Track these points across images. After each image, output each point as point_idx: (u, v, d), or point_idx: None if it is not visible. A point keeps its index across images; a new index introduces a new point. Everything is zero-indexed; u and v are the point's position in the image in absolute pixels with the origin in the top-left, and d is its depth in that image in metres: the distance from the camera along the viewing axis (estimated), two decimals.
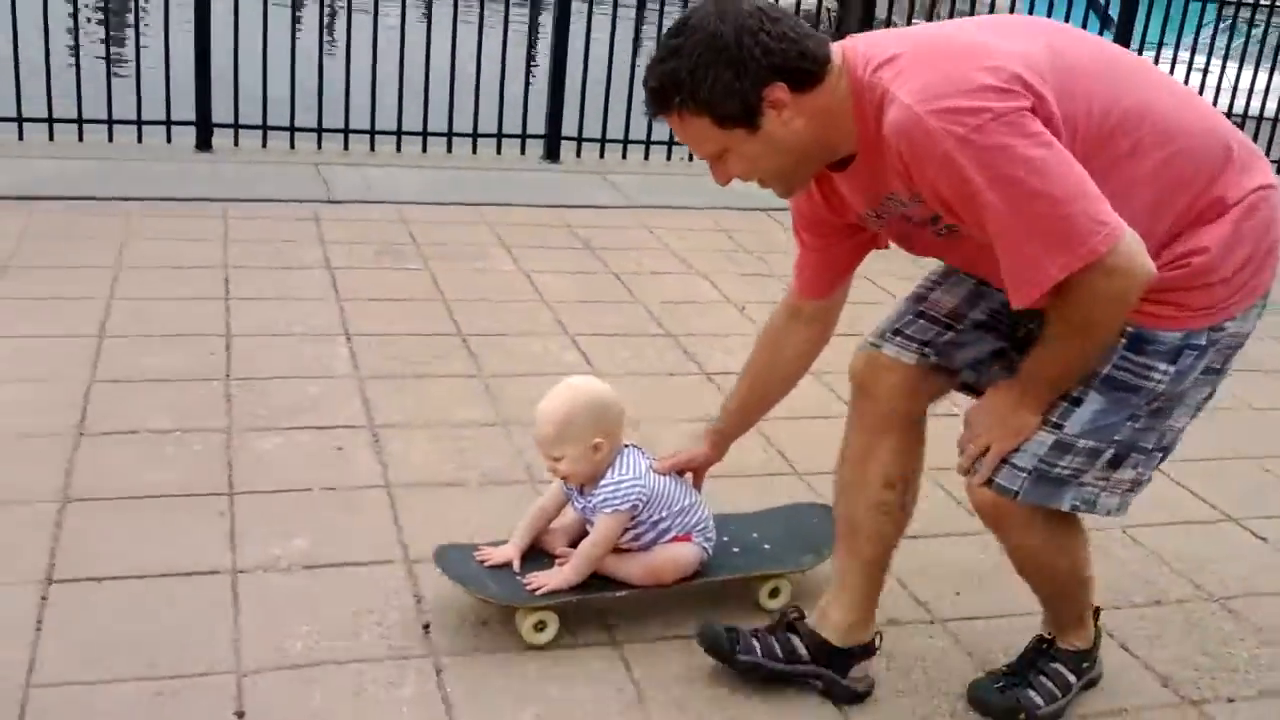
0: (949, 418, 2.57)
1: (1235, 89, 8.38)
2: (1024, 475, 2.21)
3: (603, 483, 2.61)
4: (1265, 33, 8.80)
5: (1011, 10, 7.79)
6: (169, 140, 6.49)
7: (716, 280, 5.14)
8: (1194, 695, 2.64)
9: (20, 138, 6.27)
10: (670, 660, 2.57)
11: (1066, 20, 7.85)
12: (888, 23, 8.48)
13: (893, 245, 2.40)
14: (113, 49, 6.36)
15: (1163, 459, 2.29)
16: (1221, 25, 8.74)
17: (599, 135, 7.17)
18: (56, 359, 3.77)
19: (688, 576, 2.68)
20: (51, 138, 6.32)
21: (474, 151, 6.99)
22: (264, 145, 6.64)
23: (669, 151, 7.24)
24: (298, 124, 6.67)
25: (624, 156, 7.22)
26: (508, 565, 2.65)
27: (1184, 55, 8.34)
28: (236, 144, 6.60)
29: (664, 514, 2.65)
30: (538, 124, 7.08)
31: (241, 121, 6.57)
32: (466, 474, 3.28)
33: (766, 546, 2.85)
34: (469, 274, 4.95)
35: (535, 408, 2.62)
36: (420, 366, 3.97)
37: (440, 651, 2.53)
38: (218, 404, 3.56)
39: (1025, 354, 2.22)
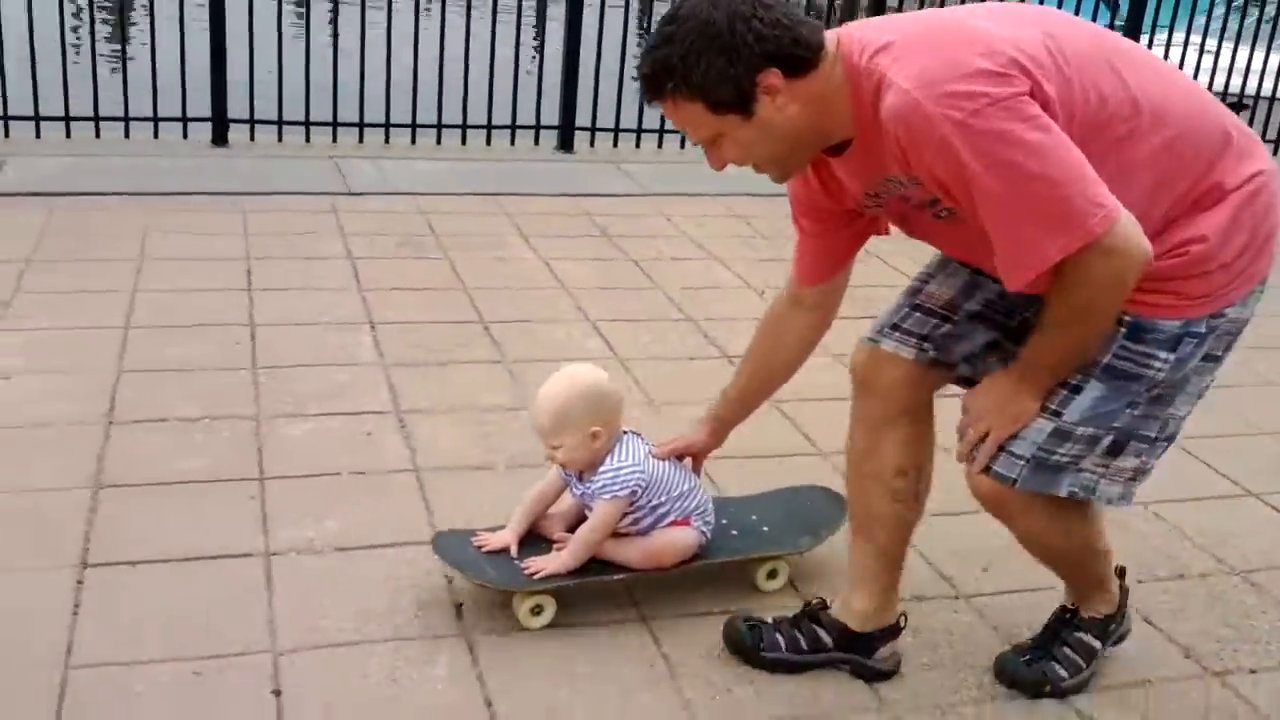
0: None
1: (1246, 70, 8.39)
2: (1022, 463, 2.22)
3: (601, 469, 2.61)
4: (1278, 13, 8.77)
5: None
6: (185, 136, 6.53)
7: (734, 266, 5.16)
8: (1216, 666, 2.66)
9: (38, 135, 6.31)
10: (699, 635, 2.60)
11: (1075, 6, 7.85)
12: (900, 10, 8.48)
13: (894, 230, 2.42)
14: (128, 47, 6.37)
15: (1166, 448, 2.29)
16: (1224, 7, 8.71)
17: (612, 125, 7.19)
18: (84, 350, 3.81)
19: (686, 560, 2.69)
20: (69, 135, 6.37)
21: (488, 143, 7.02)
22: (279, 139, 6.66)
23: (682, 140, 7.24)
24: (313, 118, 6.70)
25: (637, 145, 7.24)
26: (505, 550, 2.65)
27: (1192, 39, 8.33)
28: (252, 139, 6.63)
29: (663, 499, 2.66)
30: (551, 115, 7.11)
31: (256, 116, 6.61)
32: (493, 457, 3.31)
33: (765, 529, 2.86)
34: (489, 263, 4.98)
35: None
36: (444, 354, 4.00)
37: (472, 630, 2.56)
38: (245, 392, 3.59)
39: (1021, 344, 2.23)
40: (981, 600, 2.83)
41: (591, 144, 7.20)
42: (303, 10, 6.95)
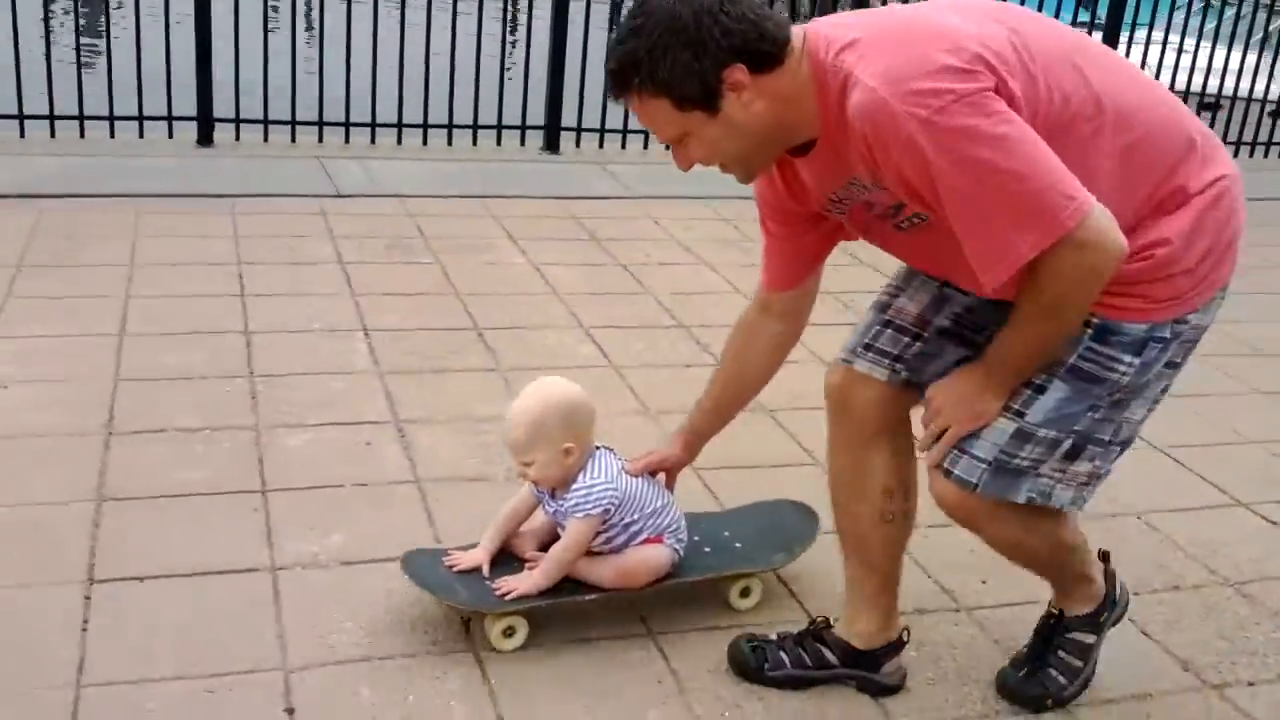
0: None
1: (1224, 70, 8.47)
2: (983, 467, 2.21)
3: (574, 487, 2.58)
4: (1255, 11, 8.86)
5: None
6: (170, 135, 6.50)
7: (724, 271, 5.18)
8: (1215, 679, 2.70)
9: (21, 135, 6.27)
10: (706, 650, 2.62)
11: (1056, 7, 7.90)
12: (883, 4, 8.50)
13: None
14: (111, 45, 6.33)
15: (1121, 452, 2.29)
16: (1198, 6, 8.78)
17: (598, 125, 7.20)
18: (79, 358, 3.80)
19: (659, 579, 2.66)
20: (53, 135, 6.33)
21: (474, 143, 7.02)
22: (265, 139, 6.65)
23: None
24: (298, 118, 6.68)
25: (623, 147, 7.25)
26: (477, 570, 2.63)
27: (1165, 37, 8.43)
28: (238, 138, 6.61)
29: (635, 516, 2.63)
30: (536, 115, 7.12)
31: (242, 116, 6.58)
32: (493, 468, 3.32)
33: (738, 545, 2.84)
34: (479, 267, 4.99)
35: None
36: (439, 361, 4.01)
37: (481, 646, 2.57)
38: (244, 401, 3.59)
39: None
40: (982, 613, 2.86)
41: (577, 144, 7.21)
42: (288, 10, 6.90)
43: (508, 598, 2.55)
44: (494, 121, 7.03)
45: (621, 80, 2.09)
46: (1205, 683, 2.69)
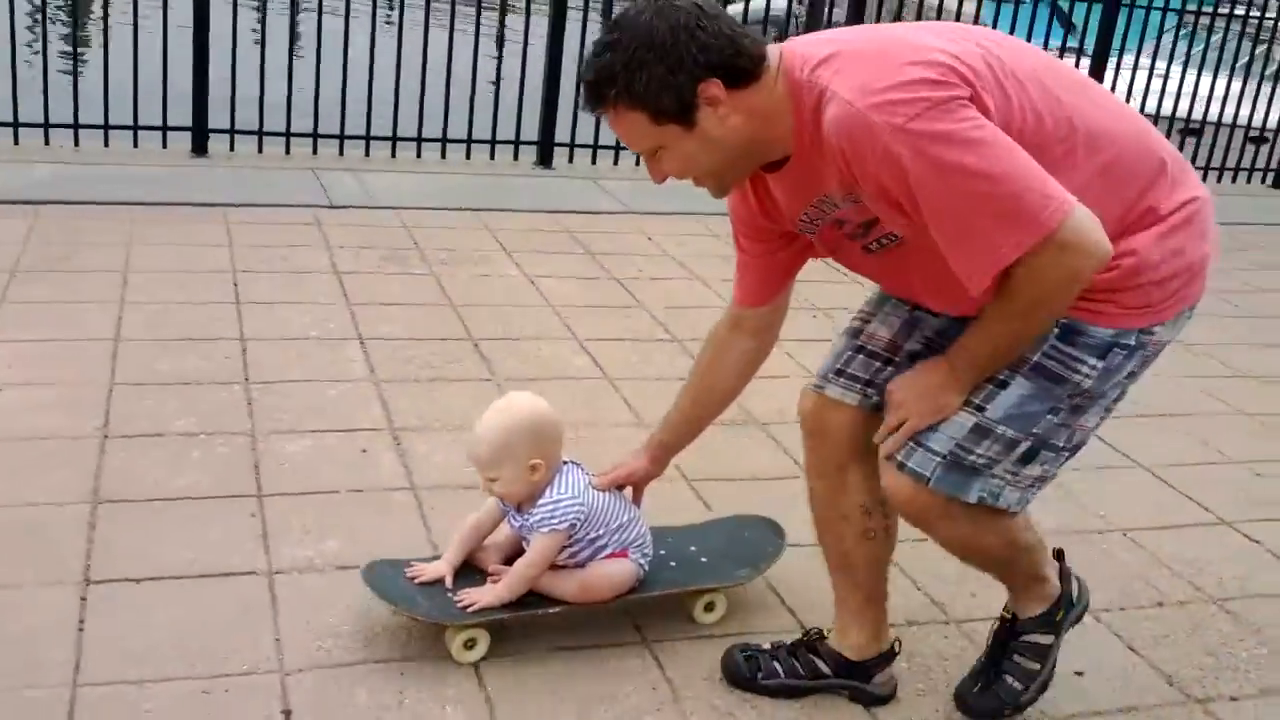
0: None
1: (1209, 96, 8.55)
2: (937, 460, 2.20)
3: (540, 501, 2.57)
4: (1239, 41, 8.95)
5: (976, 19, 7.90)
6: (164, 145, 6.52)
7: (717, 286, 5.22)
8: (1199, 694, 2.74)
9: (16, 142, 6.28)
10: (701, 657, 2.65)
11: (1031, 23, 7.98)
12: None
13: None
14: (108, 54, 6.35)
15: (1069, 458, 2.29)
16: (1183, 32, 8.88)
17: (591, 141, 7.24)
18: (75, 362, 3.81)
19: (623, 593, 2.65)
20: (47, 142, 6.34)
21: (468, 157, 7.06)
22: (260, 150, 6.68)
23: None
24: (293, 129, 6.70)
25: (615, 163, 7.29)
26: (439, 581, 2.61)
27: (1142, 62, 8.52)
28: (232, 149, 6.64)
29: (601, 531, 2.62)
30: (530, 130, 7.16)
31: (236, 127, 6.60)
32: None
33: (703, 560, 2.83)
34: (474, 279, 5.01)
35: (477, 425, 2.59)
36: (435, 370, 4.04)
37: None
38: (239, 407, 3.61)
39: None
40: (971, 625, 2.89)
41: (570, 160, 7.26)
42: (285, 22, 6.94)
43: (469, 610, 2.54)
44: (488, 136, 7.07)
45: (597, 93, 2.11)
46: (1190, 697, 2.72)
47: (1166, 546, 3.37)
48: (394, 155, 6.89)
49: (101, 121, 6.38)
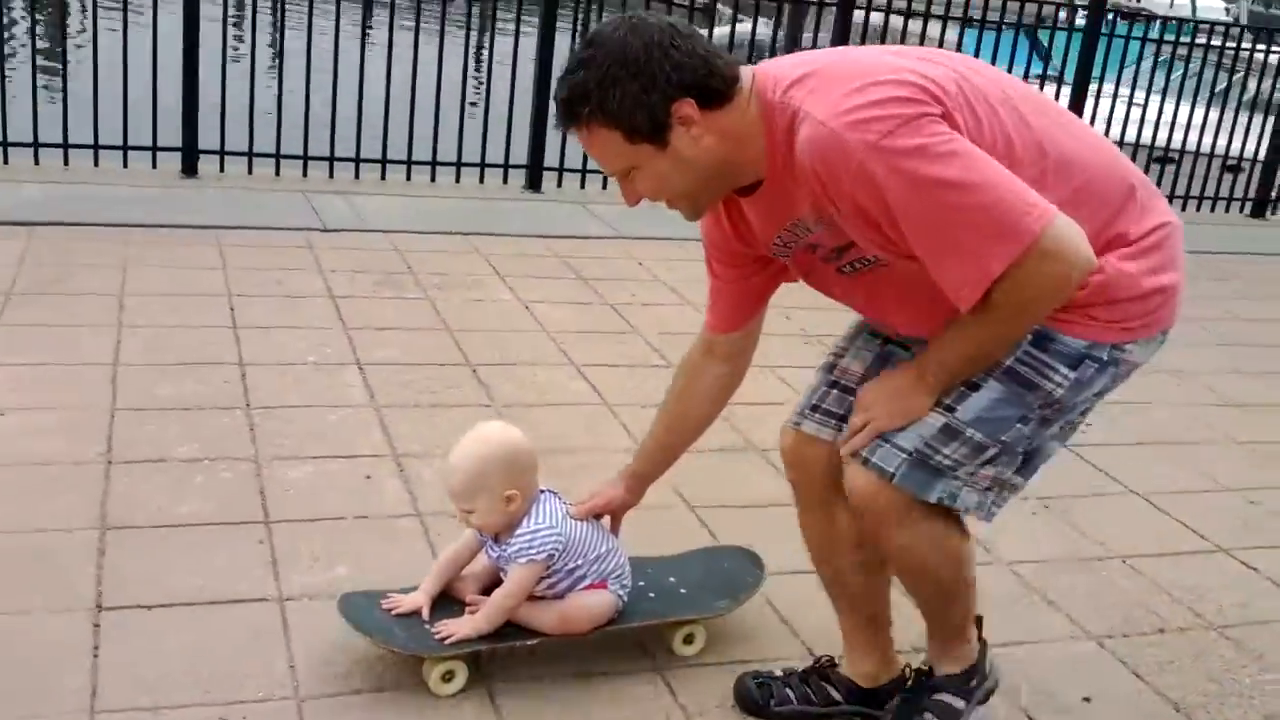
0: None
1: (1187, 126, 8.65)
2: (903, 456, 2.17)
3: (518, 532, 2.54)
4: (1217, 71, 9.07)
5: (959, 47, 7.98)
6: (154, 166, 6.52)
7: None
8: None
9: (5, 162, 6.27)
10: (712, 685, 2.65)
11: (1012, 52, 8.07)
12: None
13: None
14: (98, 74, 6.35)
15: (1022, 465, 2.26)
16: (1161, 60, 8.99)
17: (580, 166, 7.27)
18: (74, 387, 3.80)
19: (602, 625, 2.63)
20: (37, 162, 6.33)
21: (457, 180, 7.08)
22: (250, 171, 6.68)
23: None
24: (283, 151, 6.71)
25: (604, 187, 7.30)
26: (416, 613, 2.58)
27: (1121, 92, 8.63)
28: (222, 170, 6.63)
29: (579, 562, 2.60)
30: (519, 154, 7.19)
31: (226, 148, 6.60)
32: None
33: (683, 591, 2.80)
34: (468, 304, 5.03)
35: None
36: (434, 396, 4.04)
37: (493, 679, 2.59)
38: (241, 433, 3.61)
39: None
40: None
41: (559, 184, 7.29)
42: (277, 43, 6.95)
43: (447, 642, 2.51)
44: (477, 159, 7.09)
45: (571, 111, 2.09)
46: None
47: (1165, 573, 3.40)
48: (384, 178, 6.91)
49: (91, 141, 6.37)
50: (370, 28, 6.89)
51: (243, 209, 6.06)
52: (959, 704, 2.45)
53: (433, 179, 7.01)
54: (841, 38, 8.06)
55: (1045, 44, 9.55)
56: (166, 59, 6.35)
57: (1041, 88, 8.07)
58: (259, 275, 5.05)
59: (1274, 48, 9.22)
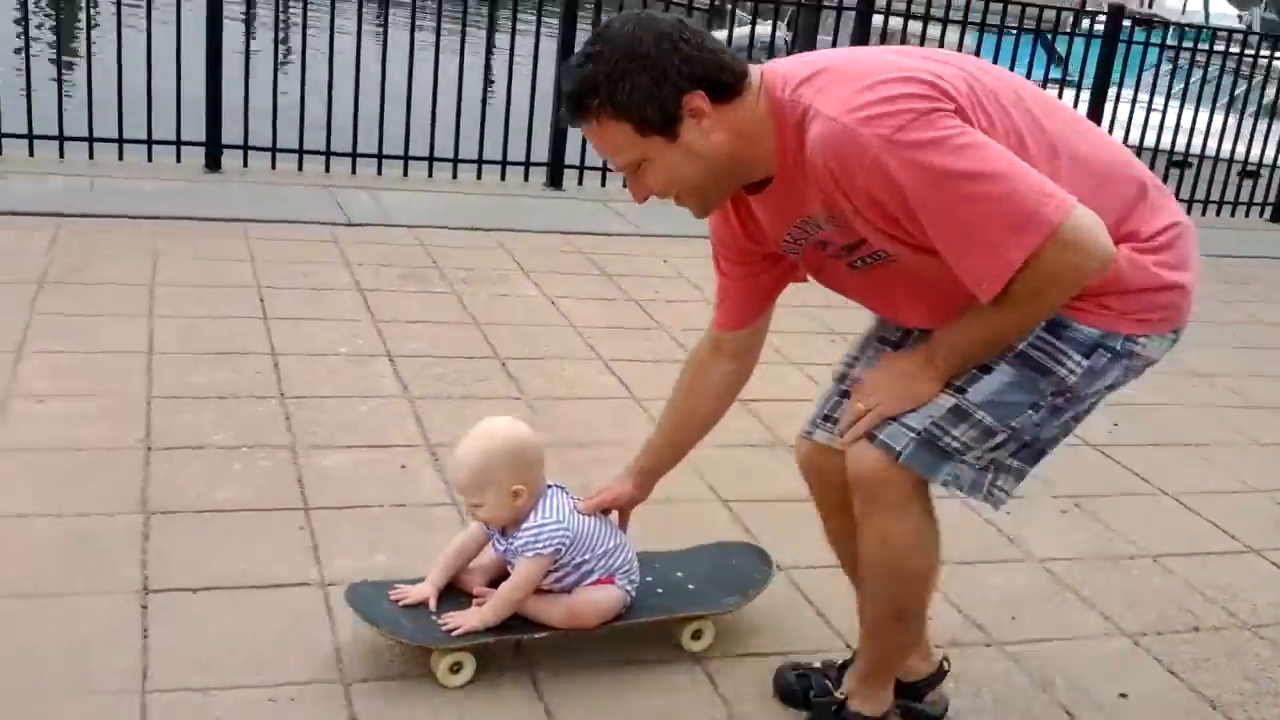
0: None
1: (1208, 131, 8.66)
2: (911, 435, 2.15)
3: (525, 526, 2.54)
4: (1237, 77, 9.09)
5: (978, 51, 8.01)
6: (178, 160, 6.54)
7: None
8: (1242, 718, 2.77)
9: (30, 154, 6.29)
10: (752, 675, 2.67)
11: (1031, 57, 8.09)
12: None
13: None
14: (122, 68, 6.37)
15: (1020, 451, 2.24)
16: (1167, 67, 9.00)
17: (601, 164, 7.28)
18: (110, 375, 3.83)
19: (609, 620, 2.62)
20: (61, 155, 6.36)
21: (478, 177, 7.11)
22: (273, 166, 6.70)
23: None
24: (306, 146, 6.73)
25: (624, 185, 7.29)
26: (424, 604, 2.58)
27: (1137, 96, 8.65)
28: (245, 165, 6.66)
29: (587, 556, 2.59)
30: (540, 151, 7.21)
31: (250, 143, 6.63)
32: None
33: (691, 587, 2.79)
34: (494, 298, 5.05)
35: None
36: (464, 388, 4.06)
37: (536, 666, 2.61)
38: (277, 421, 3.63)
39: None
40: (1014, 648, 2.92)
41: (580, 181, 7.31)
42: (299, 39, 6.97)
43: (454, 634, 2.51)
44: (498, 157, 7.12)
45: (580, 103, 2.08)
46: None
47: (1197, 573, 3.41)
48: (406, 174, 6.93)
49: (115, 135, 6.39)
50: (383, 27, 6.90)
51: (267, 203, 6.08)
52: None
53: (454, 175, 7.04)
54: (861, 42, 8.08)
55: (1060, 50, 9.56)
56: (190, 55, 6.38)
57: (1060, 95, 8.09)
58: (286, 268, 5.07)
59: None
